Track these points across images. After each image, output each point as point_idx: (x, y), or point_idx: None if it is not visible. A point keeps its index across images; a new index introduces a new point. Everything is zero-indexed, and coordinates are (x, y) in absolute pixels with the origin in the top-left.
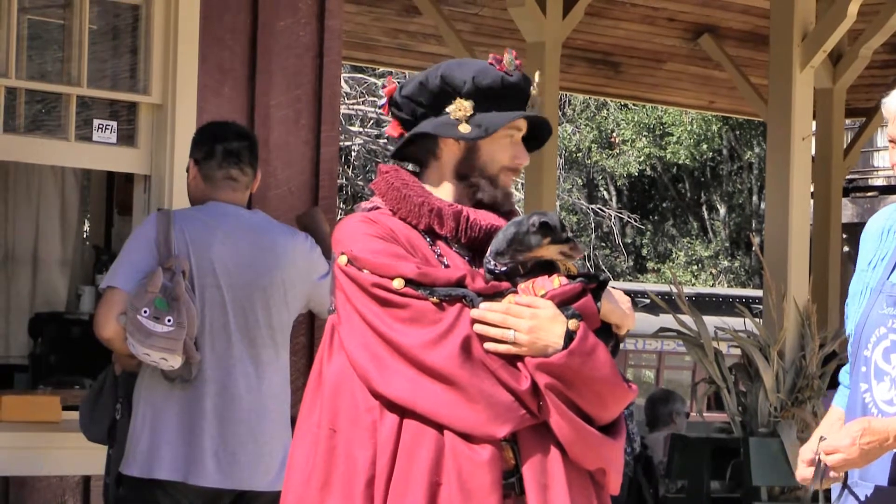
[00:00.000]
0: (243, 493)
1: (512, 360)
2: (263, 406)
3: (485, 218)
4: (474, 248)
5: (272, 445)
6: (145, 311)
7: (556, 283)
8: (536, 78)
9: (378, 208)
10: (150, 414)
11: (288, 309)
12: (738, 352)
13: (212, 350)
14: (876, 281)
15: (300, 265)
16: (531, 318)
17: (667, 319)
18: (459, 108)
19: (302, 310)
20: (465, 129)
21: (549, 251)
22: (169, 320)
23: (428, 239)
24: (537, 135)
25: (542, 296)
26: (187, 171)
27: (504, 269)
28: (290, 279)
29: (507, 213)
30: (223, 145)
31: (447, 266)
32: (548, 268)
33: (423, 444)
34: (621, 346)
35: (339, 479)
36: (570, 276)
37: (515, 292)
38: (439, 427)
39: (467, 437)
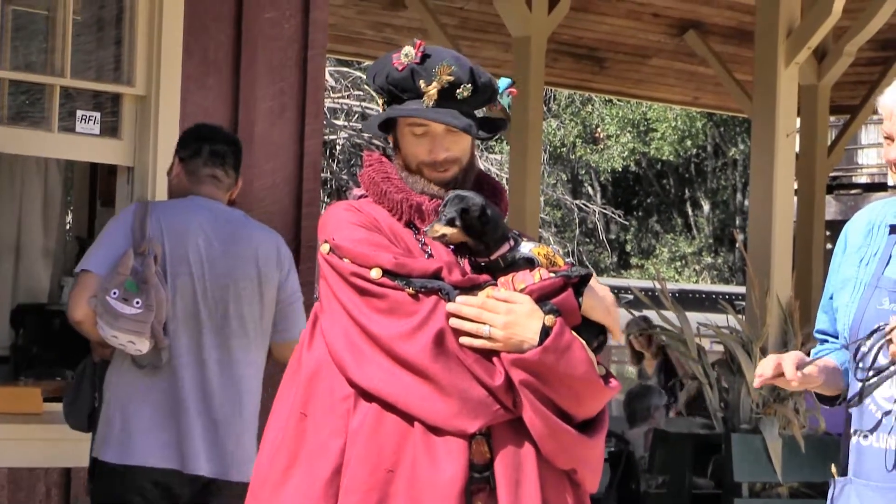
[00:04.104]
0: (213, 481)
1: (487, 354)
2: (232, 395)
3: None
4: None
5: (241, 435)
6: (114, 293)
7: (537, 277)
8: (445, 68)
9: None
10: (122, 401)
11: (262, 302)
12: (720, 348)
13: (183, 337)
14: (870, 276)
15: (275, 261)
16: (507, 313)
17: (650, 315)
18: (380, 103)
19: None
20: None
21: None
22: (137, 302)
23: (413, 228)
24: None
25: (522, 290)
26: (169, 172)
27: (484, 263)
28: (266, 273)
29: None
30: (210, 146)
31: (431, 256)
32: (528, 263)
33: (382, 431)
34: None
35: (304, 462)
36: (554, 271)
37: (494, 285)
38: (408, 417)
39: (436, 431)
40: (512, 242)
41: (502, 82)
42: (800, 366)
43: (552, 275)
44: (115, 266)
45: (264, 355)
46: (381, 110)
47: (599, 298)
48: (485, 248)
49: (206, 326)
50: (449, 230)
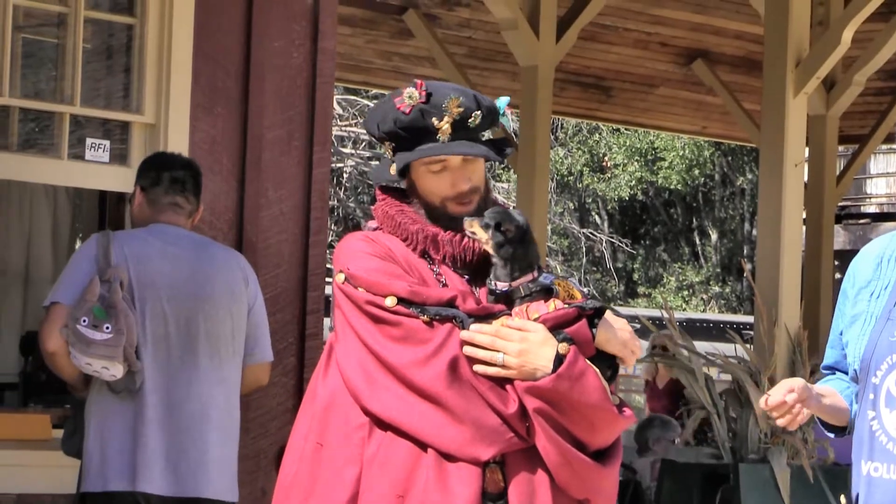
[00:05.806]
0: (188, 500)
1: (501, 382)
2: (205, 415)
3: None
4: (473, 268)
5: (215, 454)
6: (84, 320)
7: (552, 306)
8: (454, 101)
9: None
10: (99, 429)
11: (232, 320)
12: (728, 377)
13: (154, 360)
14: (881, 309)
15: (242, 279)
16: (521, 341)
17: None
18: (386, 149)
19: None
20: (393, 169)
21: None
22: (107, 328)
23: (427, 259)
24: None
25: (536, 319)
26: (130, 200)
27: (505, 289)
28: (234, 292)
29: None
30: (170, 173)
31: (445, 285)
32: (547, 292)
33: (395, 458)
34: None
35: (321, 492)
36: (569, 303)
37: (508, 314)
38: (421, 444)
39: (449, 458)
40: (535, 274)
41: (500, 102)
42: (802, 398)
43: (566, 306)
44: (82, 294)
45: (238, 372)
46: (388, 156)
47: (614, 331)
48: (509, 272)
49: (176, 346)
50: (481, 233)
